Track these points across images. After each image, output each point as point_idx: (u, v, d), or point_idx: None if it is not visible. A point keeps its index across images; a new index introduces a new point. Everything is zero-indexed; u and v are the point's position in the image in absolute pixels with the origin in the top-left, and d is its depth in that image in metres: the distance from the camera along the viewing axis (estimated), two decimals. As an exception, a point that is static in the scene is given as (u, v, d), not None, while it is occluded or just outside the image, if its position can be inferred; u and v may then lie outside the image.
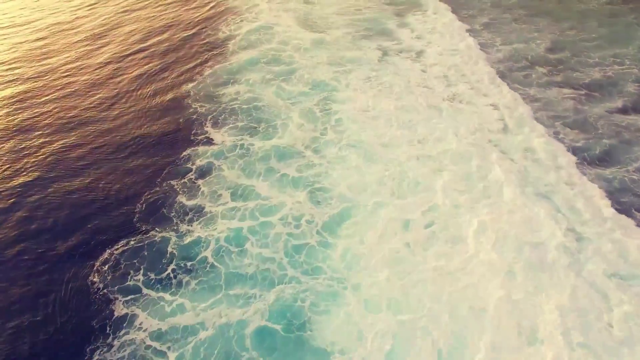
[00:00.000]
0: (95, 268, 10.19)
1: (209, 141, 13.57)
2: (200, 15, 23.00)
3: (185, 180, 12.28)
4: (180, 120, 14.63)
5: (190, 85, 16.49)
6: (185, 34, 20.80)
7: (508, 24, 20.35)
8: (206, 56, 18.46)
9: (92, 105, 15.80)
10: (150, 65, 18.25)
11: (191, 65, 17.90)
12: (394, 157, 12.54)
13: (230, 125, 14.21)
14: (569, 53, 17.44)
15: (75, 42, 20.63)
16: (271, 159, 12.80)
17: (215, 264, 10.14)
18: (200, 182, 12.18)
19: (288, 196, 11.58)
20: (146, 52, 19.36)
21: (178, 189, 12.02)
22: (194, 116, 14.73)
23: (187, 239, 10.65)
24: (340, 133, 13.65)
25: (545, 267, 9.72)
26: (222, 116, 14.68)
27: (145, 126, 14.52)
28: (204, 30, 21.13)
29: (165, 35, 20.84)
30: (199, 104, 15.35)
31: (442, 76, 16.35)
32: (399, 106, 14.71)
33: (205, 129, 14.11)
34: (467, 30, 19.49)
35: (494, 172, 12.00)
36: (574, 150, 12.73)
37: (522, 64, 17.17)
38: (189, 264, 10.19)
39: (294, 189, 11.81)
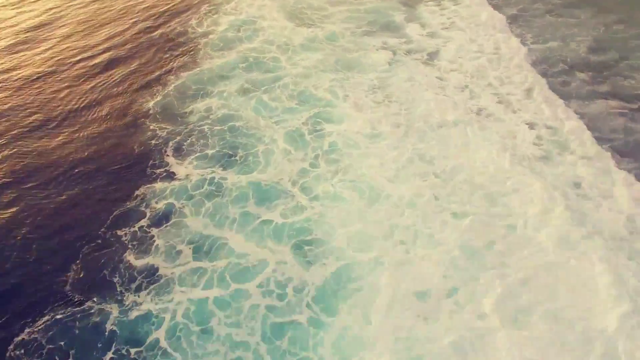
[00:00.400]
0: (7, 355, 8.73)
1: (170, 175, 12.26)
2: (166, 7, 21.64)
3: (136, 229, 10.96)
4: (135, 147, 13.30)
5: (151, 100, 15.16)
6: (147, 34, 19.47)
7: (541, 16, 19.03)
8: (171, 61, 17.18)
9: (26, 130, 14.41)
10: (102, 75, 16.94)
11: (152, 74, 16.59)
12: (404, 196, 11.17)
13: (198, 154, 12.90)
14: (617, 54, 16.13)
15: (11, 45, 19.22)
16: (249, 199, 11.49)
17: (169, 350, 8.70)
18: (154, 232, 10.86)
19: (269, 252, 10.27)
20: (98, 57, 18.04)
21: (126, 242, 10.69)
22: (153, 142, 13.41)
23: (133, 314, 9.27)
24: (335, 163, 12.33)
25: (608, 355, 8.25)
26: (188, 141, 13.37)
27: (91, 157, 13.16)
28: (170, 26, 19.80)
29: (122, 35, 19.49)
30: (160, 125, 14.02)
31: (464, 85, 15.05)
32: (409, 126, 13.36)
33: (166, 158, 12.79)
34: (493, 25, 18.20)
35: (532, 216, 10.60)
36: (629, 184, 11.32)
37: (559, 68, 15.87)
38: (133, 350, 8.74)
39: (278, 242, 10.46)
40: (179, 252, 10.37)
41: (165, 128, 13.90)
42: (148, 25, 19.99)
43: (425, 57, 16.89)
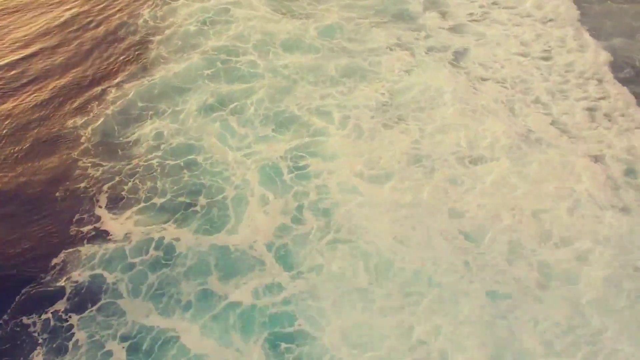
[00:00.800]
0: None
1: (101, 235, 11.31)
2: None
3: (49, 315, 9.95)
4: (57, 194, 12.33)
5: (83, 126, 14.22)
6: (85, 30, 18.71)
7: (600, 2, 18.81)
8: (114, 69, 16.41)
9: None
10: (21, 90, 15.97)
11: (88, 88, 15.65)
12: (423, 269, 10.18)
13: (142, 205, 11.93)
14: None
15: None
16: (210, 272, 10.53)
17: None
18: (74, 320, 9.87)
19: (236, 353, 9.28)
20: (17, 65, 17.08)
21: (34, 336, 9.66)
22: (82, 185, 12.47)
23: None
24: (325, 216, 11.38)
25: None
26: (130, 184, 12.42)
27: (-6, 207, 12.34)
28: (114, 19, 19.04)
29: (51, 33, 18.64)
30: (93, 161, 13.08)
31: (502, 100, 14.35)
32: (433, 160, 12.50)
33: (97, 211, 11.82)
34: (544, 15, 17.83)
35: (607, 296, 9.56)
36: None
37: (625, 74, 15.52)
38: None
39: (247, 338, 9.45)
40: (108, 353, 9.38)
41: (100, 165, 12.95)
42: (85, 19, 19.25)
43: (450, 57, 16.47)
